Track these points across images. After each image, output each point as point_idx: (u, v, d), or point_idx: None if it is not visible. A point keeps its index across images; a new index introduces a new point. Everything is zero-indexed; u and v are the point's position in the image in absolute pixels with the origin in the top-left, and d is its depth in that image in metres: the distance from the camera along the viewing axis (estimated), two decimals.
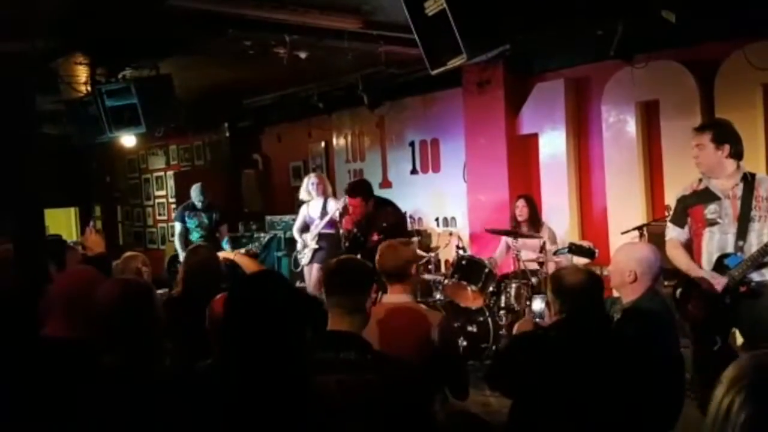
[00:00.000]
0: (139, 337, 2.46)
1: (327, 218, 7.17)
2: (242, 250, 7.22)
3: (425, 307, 3.87)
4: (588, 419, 2.66)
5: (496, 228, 6.62)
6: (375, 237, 5.69)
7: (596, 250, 3.94)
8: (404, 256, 3.36)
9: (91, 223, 12.08)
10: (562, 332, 2.92)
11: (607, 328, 3.04)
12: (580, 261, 3.90)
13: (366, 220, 5.97)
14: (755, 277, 3.81)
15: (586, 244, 4.02)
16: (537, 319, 4.82)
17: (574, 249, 3.99)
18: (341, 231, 6.46)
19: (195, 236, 8.01)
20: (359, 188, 6.12)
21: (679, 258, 4.01)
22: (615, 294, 3.68)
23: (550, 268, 6.20)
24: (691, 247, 4.02)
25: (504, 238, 6.70)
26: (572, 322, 2.91)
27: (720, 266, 3.89)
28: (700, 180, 4.04)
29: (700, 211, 3.97)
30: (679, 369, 3.33)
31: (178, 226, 8.15)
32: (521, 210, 6.51)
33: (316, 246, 7.27)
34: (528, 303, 6.06)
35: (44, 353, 2.55)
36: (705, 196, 3.97)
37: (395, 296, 3.31)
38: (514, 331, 3.29)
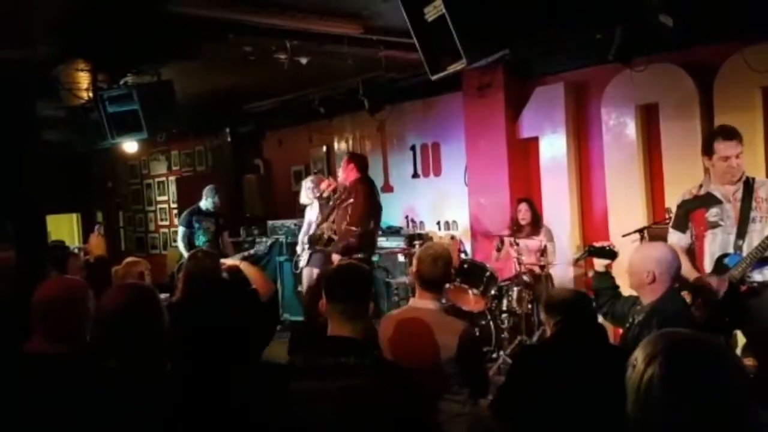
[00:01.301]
0: (144, 341, 2.47)
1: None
2: (239, 257, 7.29)
3: (450, 315, 3.84)
4: (590, 426, 2.68)
5: (498, 233, 6.65)
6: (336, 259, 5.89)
7: (617, 251, 3.90)
8: (440, 269, 3.33)
9: (96, 227, 12.21)
10: (557, 340, 3.01)
11: (600, 336, 3.09)
12: (601, 263, 3.87)
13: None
14: (756, 277, 3.85)
15: (606, 245, 3.96)
16: None
17: (593, 251, 3.95)
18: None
19: (201, 241, 8.03)
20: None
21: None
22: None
23: (551, 270, 6.24)
24: (693, 251, 4.06)
25: (504, 238, 6.73)
26: (565, 330, 3.00)
27: (719, 266, 3.94)
28: (701, 185, 4.10)
29: (701, 215, 4.03)
30: None
31: (182, 230, 8.04)
32: (524, 214, 6.54)
33: (311, 249, 7.27)
34: (530, 307, 6.08)
35: (24, 371, 2.45)
36: (706, 199, 4.03)
37: (423, 302, 3.32)
38: None
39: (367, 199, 6.27)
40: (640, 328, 3.26)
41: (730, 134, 3.98)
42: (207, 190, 8.08)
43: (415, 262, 3.40)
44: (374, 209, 6.43)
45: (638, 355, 1.49)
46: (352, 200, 6.23)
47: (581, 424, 2.69)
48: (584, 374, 2.76)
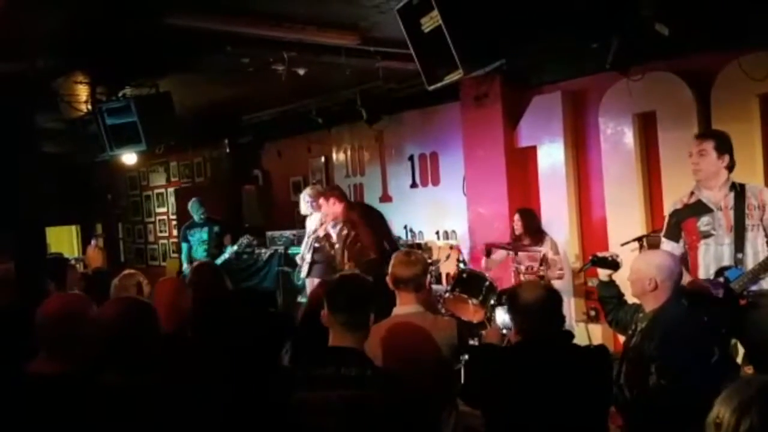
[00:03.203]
0: (141, 355, 2.47)
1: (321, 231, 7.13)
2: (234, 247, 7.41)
3: (436, 315, 3.82)
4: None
5: (494, 241, 6.65)
6: None
7: (620, 261, 3.89)
8: (418, 266, 3.33)
9: (93, 239, 12.24)
10: (522, 357, 2.86)
11: (567, 345, 2.92)
12: (605, 272, 3.88)
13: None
14: (752, 287, 3.80)
15: (609, 255, 3.96)
16: (504, 330, 4.82)
17: (596, 261, 3.95)
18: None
19: (199, 253, 8.06)
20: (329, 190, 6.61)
21: None
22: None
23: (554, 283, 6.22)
24: (686, 260, 4.01)
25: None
26: (530, 344, 2.84)
27: (720, 278, 3.87)
28: (692, 193, 4.06)
29: (693, 224, 3.98)
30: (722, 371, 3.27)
31: (184, 247, 8.29)
32: (516, 224, 6.55)
33: (310, 259, 7.26)
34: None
35: (30, 392, 2.41)
36: (697, 208, 3.99)
37: (405, 307, 3.29)
38: (483, 339, 3.33)
39: (364, 224, 6.23)
40: (642, 335, 3.25)
41: (701, 134, 4.13)
42: (191, 205, 8.26)
43: (390, 265, 3.37)
44: (377, 230, 6.36)
45: (722, 410, 1.34)
46: (354, 232, 6.19)
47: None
48: (550, 391, 2.68)
